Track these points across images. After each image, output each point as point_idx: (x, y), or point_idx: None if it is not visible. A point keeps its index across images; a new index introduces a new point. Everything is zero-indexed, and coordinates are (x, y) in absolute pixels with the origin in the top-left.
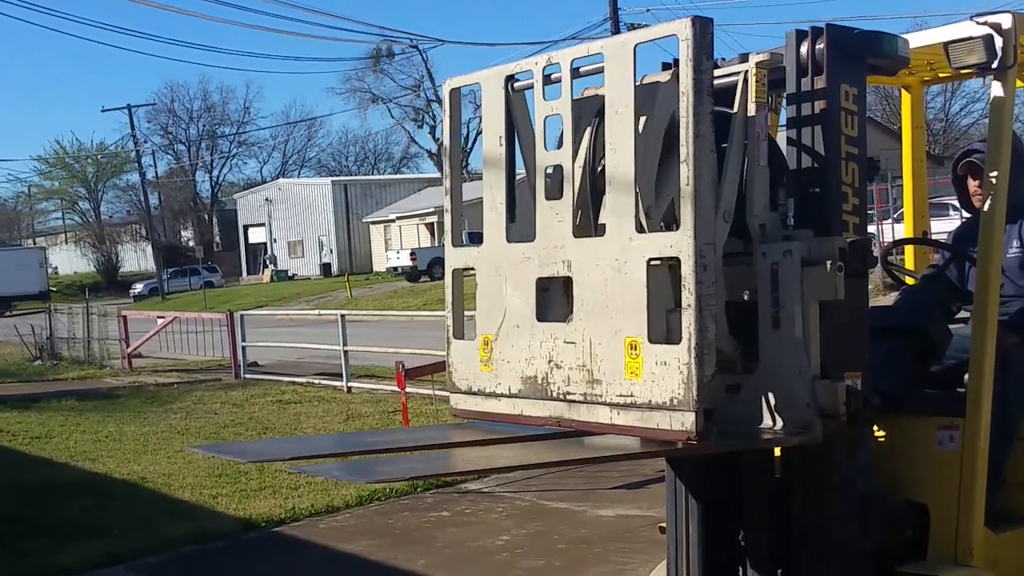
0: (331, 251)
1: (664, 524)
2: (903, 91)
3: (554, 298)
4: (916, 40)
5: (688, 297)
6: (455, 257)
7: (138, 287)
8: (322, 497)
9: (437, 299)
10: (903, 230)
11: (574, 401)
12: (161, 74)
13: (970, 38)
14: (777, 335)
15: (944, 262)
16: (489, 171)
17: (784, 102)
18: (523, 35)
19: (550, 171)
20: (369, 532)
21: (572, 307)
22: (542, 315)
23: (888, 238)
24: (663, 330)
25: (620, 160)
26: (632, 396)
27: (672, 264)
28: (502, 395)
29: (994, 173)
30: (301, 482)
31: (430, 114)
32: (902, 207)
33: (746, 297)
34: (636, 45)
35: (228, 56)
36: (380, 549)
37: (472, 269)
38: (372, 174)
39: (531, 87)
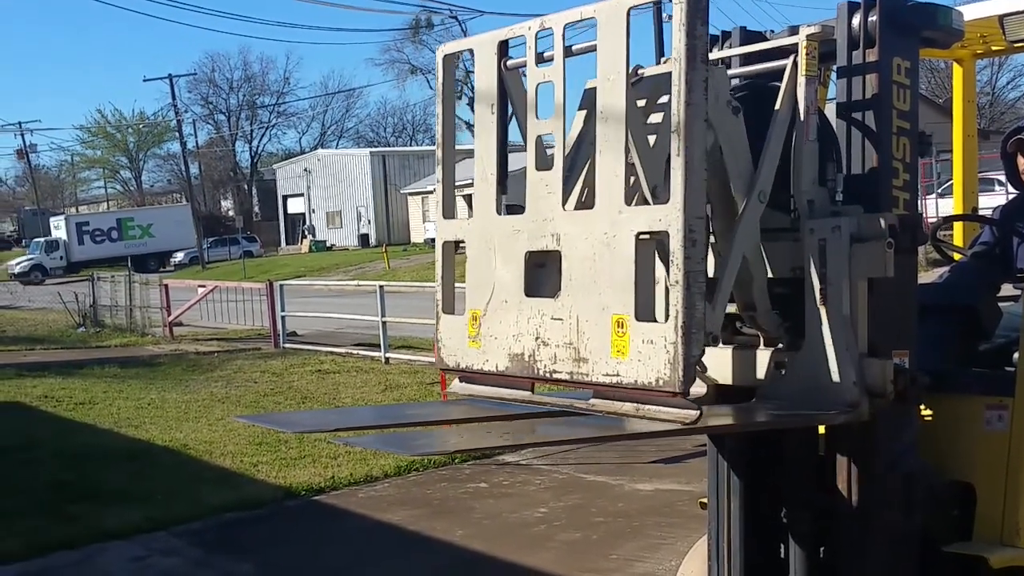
0: (369, 222)
1: (705, 500)
2: (955, 64)
3: (550, 274)
4: (970, 12)
5: (676, 273)
6: (446, 229)
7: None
8: (361, 467)
9: None
10: (948, 205)
11: (560, 380)
12: (202, 44)
13: None
14: (824, 312)
15: (993, 239)
16: (480, 141)
17: (834, 75)
18: (565, 5)
19: (545, 142)
20: (407, 502)
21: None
22: (534, 290)
23: (932, 213)
24: (651, 308)
25: (610, 130)
26: (618, 375)
27: (663, 239)
28: (490, 372)
29: None
30: (340, 451)
31: (469, 85)
32: (946, 182)
33: (792, 273)
34: (629, 9)
35: (268, 27)
36: (418, 519)
37: (463, 242)
38: (410, 145)
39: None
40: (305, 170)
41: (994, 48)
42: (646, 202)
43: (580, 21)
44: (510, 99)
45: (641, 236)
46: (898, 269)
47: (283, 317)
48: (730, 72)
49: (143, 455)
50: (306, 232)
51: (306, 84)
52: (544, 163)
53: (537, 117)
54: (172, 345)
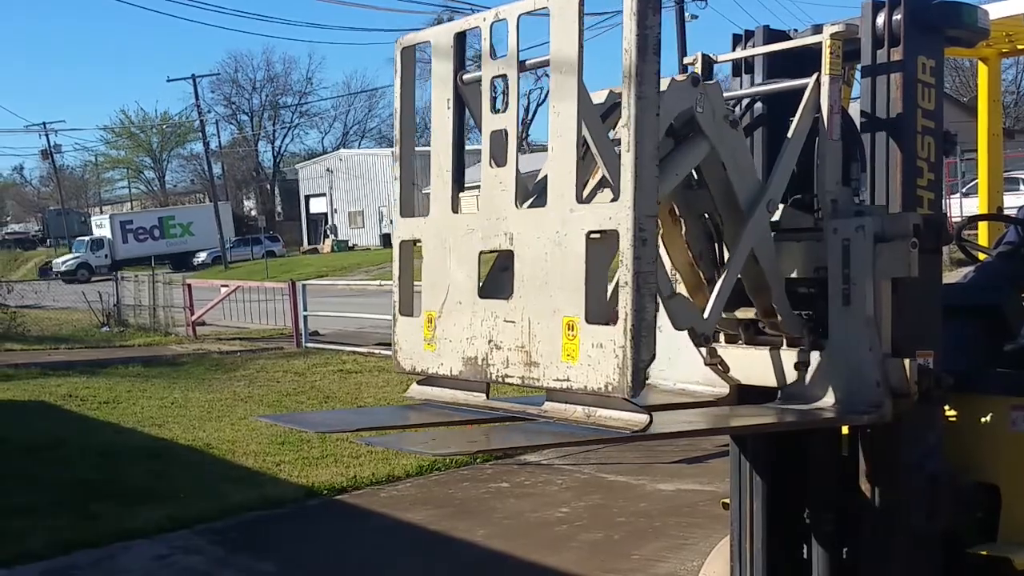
0: (391, 221)
1: (727, 500)
2: (980, 63)
3: (511, 277)
4: (996, 11)
5: (625, 274)
6: (403, 228)
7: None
8: (383, 466)
9: None
10: (973, 205)
11: (512, 384)
12: (225, 44)
13: None
14: (847, 312)
15: (1018, 238)
16: (436, 136)
17: (858, 74)
18: (591, 7)
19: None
20: (429, 502)
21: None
22: (494, 292)
23: (957, 213)
24: (603, 310)
25: (562, 125)
26: (568, 380)
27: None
28: (444, 376)
29: None
30: (362, 451)
31: (492, 85)
32: (971, 181)
33: (816, 273)
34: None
35: (291, 27)
36: (440, 519)
37: (420, 241)
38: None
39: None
40: (327, 170)
41: (1020, 47)
42: None
43: (534, 11)
44: (463, 95)
45: (592, 235)
46: (922, 269)
47: (305, 317)
48: (754, 90)
49: (166, 454)
50: (328, 232)
51: (329, 84)
52: (499, 159)
53: (492, 111)
54: (195, 344)
